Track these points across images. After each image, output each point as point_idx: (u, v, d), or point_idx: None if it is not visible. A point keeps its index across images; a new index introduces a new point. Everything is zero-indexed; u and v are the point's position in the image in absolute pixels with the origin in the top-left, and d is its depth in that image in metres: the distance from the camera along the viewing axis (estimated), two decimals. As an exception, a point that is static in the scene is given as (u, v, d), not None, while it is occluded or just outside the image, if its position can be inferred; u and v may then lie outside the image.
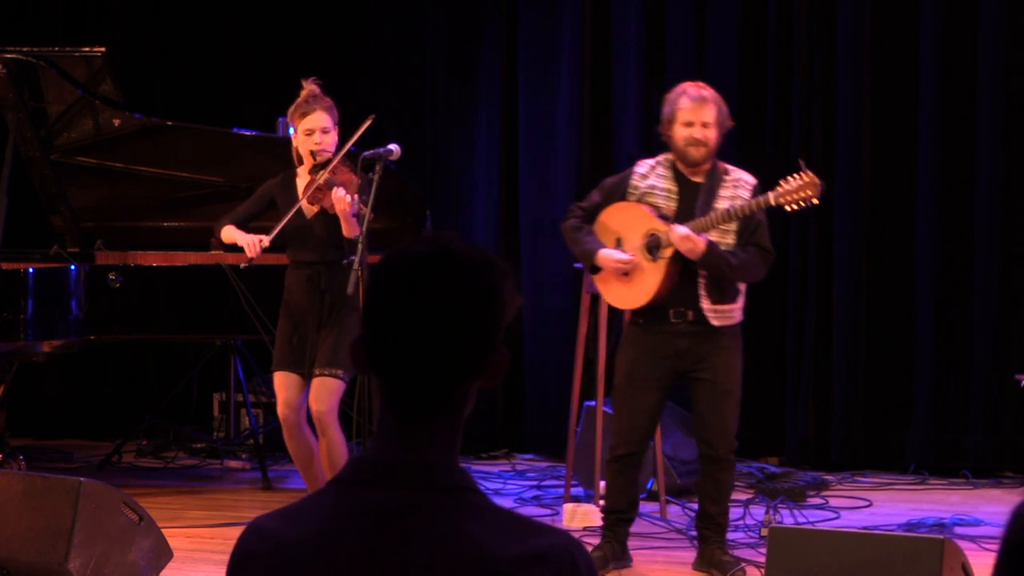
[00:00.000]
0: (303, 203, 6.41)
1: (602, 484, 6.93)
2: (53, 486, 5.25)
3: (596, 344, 7.06)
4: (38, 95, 7.77)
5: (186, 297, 7.61)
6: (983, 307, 8.12)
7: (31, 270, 7.13)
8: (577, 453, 7.33)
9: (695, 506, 6.47)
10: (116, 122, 7.79)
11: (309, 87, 6.43)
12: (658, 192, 6.01)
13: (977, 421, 8.14)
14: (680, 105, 5.95)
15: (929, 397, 8.21)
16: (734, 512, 6.29)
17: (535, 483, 8.04)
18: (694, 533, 6.37)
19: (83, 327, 7.31)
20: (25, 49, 7.66)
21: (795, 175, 5.76)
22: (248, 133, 7.84)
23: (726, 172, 6.02)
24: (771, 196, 5.79)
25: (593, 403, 7.18)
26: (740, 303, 6.03)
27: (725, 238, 5.89)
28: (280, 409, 6.47)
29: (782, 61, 8.44)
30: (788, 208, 5.80)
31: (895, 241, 8.30)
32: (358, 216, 6.17)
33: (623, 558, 6.14)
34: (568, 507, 6.93)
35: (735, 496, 6.26)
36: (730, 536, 6.25)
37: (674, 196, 5.99)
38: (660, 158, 6.08)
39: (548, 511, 7.24)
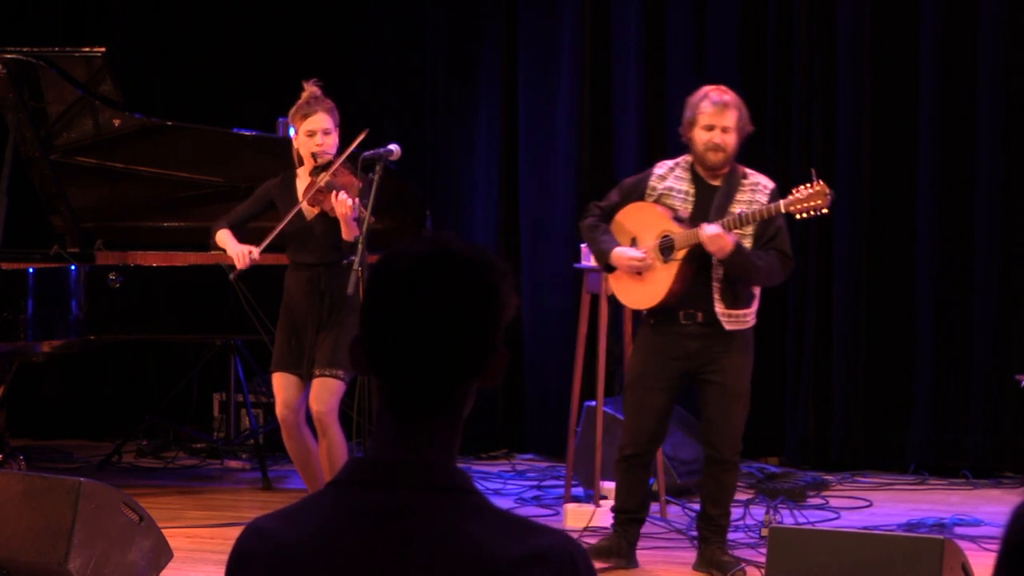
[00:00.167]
0: (303, 205, 6.41)
1: (602, 484, 6.94)
2: (53, 486, 5.25)
3: (596, 344, 7.06)
4: (38, 95, 7.77)
5: (186, 297, 7.61)
6: (983, 307, 8.12)
7: (31, 270, 7.13)
8: (577, 453, 7.33)
9: (695, 506, 6.48)
10: (116, 122, 7.78)
11: (310, 88, 6.43)
12: (675, 194, 6.02)
13: (977, 421, 8.14)
14: (701, 109, 5.96)
15: (929, 397, 8.21)
16: (734, 512, 6.30)
17: (535, 483, 8.03)
18: (694, 533, 6.37)
19: (83, 327, 7.31)
20: (25, 49, 7.66)
21: (807, 184, 5.76)
22: (248, 133, 7.83)
23: (745, 176, 6.02)
24: (782, 204, 5.82)
25: (593, 403, 7.18)
26: (754, 307, 6.03)
27: (742, 242, 5.90)
28: (279, 410, 6.47)
29: (782, 61, 8.44)
30: (798, 216, 5.83)
31: (895, 241, 8.30)
32: (358, 219, 6.18)
33: (629, 557, 6.14)
34: (568, 507, 6.93)
35: (735, 496, 6.25)
36: (730, 536, 6.25)
37: (691, 199, 6.00)
38: (680, 160, 6.10)
39: (548, 511, 7.24)
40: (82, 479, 5.26)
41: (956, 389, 8.19)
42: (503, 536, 2.01)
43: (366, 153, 6.24)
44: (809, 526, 6.65)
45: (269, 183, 6.64)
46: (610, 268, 6.13)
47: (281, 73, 8.10)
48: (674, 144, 7.27)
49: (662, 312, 6.01)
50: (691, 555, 6.24)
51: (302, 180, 6.49)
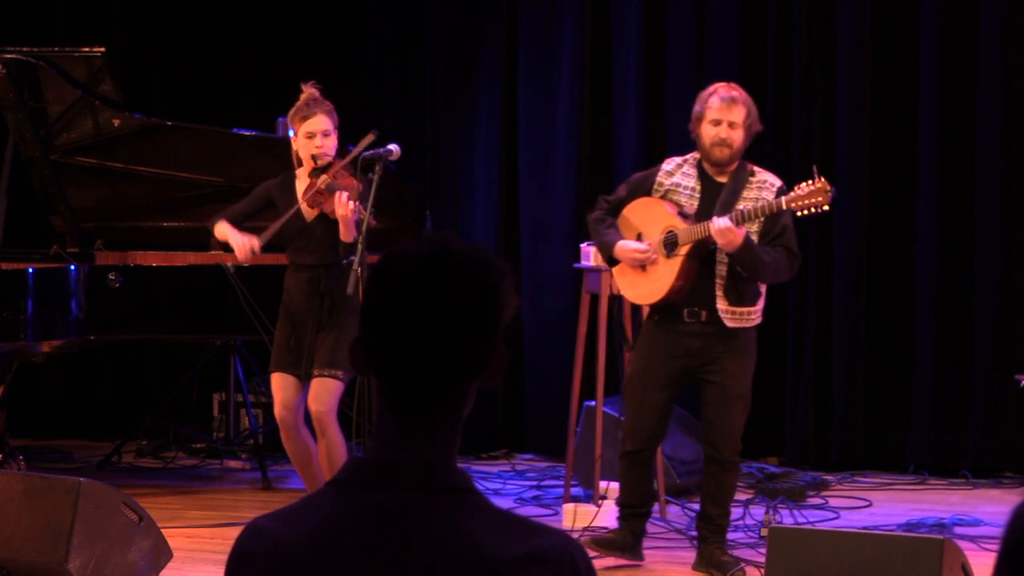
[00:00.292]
0: (303, 206, 6.41)
1: (602, 484, 6.94)
2: (53, 486, 5.25)
3: (596, 344, 7.06)
4: (38, 95, 7.77)
5: (186, 297, 7.61)
6: (983, 307, 8.12)
7: (31, 270, 7.13)
8: (577, 453, 7.33)
9: (695, 506, 6.48)
10: (116, 122, 7.78)
11: (309, 90, 6.42)
12: (681, 190, 6.03)
13: (977, 421, 8.14)
14: (710, 104, 5.98)
15: (929, 397, 8.21)
16: (734, 512, 6.30)
17: (535, 483, 8.03)
18: (694, 533, 6.37)
19: (83, 327, 7.31)
20: (25, 49, 7.66)
21: (808, 181, 5.76)
22: (248, 133, 7.83)
23: (752, 174, 6.03)
24: (783, 200, 5.81)
25: (593, 403, 7.18)
26: (759, 306, 6.02)
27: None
28: (277, 410, 6.47)
29: (782, 61, 8.44)
30: (799, 213, 5.82)
31: (895, 241, 8.30)
32: (358, 221, 6.18)
33: (635, 550, 6.16)
34: (568, 507, 6.93)
35: (735, 496, 6.26)
36: (730, 536, 6.25)
37: (697, 195, 6.00)
38: (688, 156, 6.11)
39: (548, 511, 7.24)
40: (82, 479, 5.26)
41: (956, 389, 8.19)
42: (503, 536, 2.01)
43: (366, 153, 6.24)
44: (809, 526, 6.65)
45: (268, 183, 6.64)
46: (613, 261, 6.14)
47: (281, 73, 8.09)
48: (674, 144, 7.29)
49: (665, 309, 6.02)
50: (691, 555, 6.24)
51: (301, 181, 6.49)
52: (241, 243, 6.43)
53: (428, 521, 2.02)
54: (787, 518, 6.87)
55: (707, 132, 5.97)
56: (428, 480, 2.04)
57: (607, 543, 6.11)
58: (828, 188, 5.75)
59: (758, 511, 6.92)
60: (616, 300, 6.74)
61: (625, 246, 6.03)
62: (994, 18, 8.05)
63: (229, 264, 6.63)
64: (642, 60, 8.66)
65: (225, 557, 2.12)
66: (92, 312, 7.32)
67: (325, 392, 6.33)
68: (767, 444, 8.44)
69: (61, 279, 7.26)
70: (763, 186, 5.99)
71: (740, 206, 5.89)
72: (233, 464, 8.56)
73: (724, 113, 5.95)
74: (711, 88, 6.06)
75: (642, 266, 6.03)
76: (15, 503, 5.25)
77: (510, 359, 2.13)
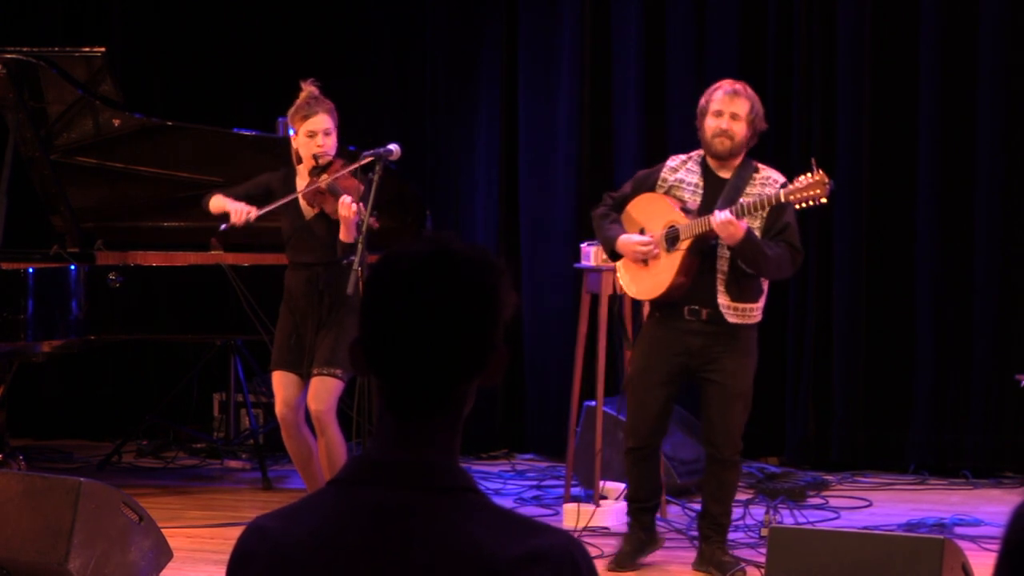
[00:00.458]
0: (303, 205, 6.42)
1: (602, 484, 6.95)
2: (53, 486, 5.25)
3: (596, 344, 7.06)
4: (38, 95, 7.77)
5: (186, 297, 7.61)
6: (983, 307, 8.12)
7: (31, 270, 7.13)
8: (577, 453, 7.33)
9: (695, 506, 6.48)
10: (116, 122, 7.78)
11: (308, 89, 6.43)
12: (685, 186, 6.04)
13: (977, 421, 8.14)
14: (714, 97, 6.01)
15: (929, 397, 8.21)
16: (734, 512, 6.30)
17: (535, 483, 8.03)
18: (694, 533, 6.38)
19: (83, 327, 7.31)
20: (25, 49, 7.66)
21: (806, 174, 5.75)
22: (248, 133, 7.84)
23: (756, 170, 6.03)
24: (781, 193, 5.80)
25: (593, 403, 7.18)
26: (761, 303, 6.02)
27: None
28: (278, 409, 6.48)
29: (782, 61, 8.44)
30: (797, 206, 5.81)
31: (895, 241, 8.29)
32: (358, 223, 6.19)
33: (653, 542, 6.19)
34: (568, 507, 6.93)
35: (736, 495, 6.26)
36: (730, 536, 6.25)
37: (700, 191, 6.01)
38: (693, 153, 6.13)
39: (548, 511, 7.24)
40: (82, 479, 5.26)
41: (956, 389, 8.19)
42: (503, 536, 2.01)
43: (365, 153, 6.24)
44: (809, 526, 6.65)
45: (271, 174, 6.65)
46: (616, 256, 6.14)
47: (281, 73, 8.09)
48: (674, 144, 7.30)
49: (666, 306, 6.02)
50: (691, 555, 6.25)
51: (302, 179, 6.50)
52: (238, 208, 6.45)
53: (428, 521, 2.02)
54: (787, 518, 6.87)
55: (709, 124, 5.98)
56: (428, 480, 2.05)
57: (625, 556, 6.13)
58: (826, 181, 5.75)
59: (758, 511, 6.92)
60: (617, 298, 6.74)
61: (627, 240, 6.04)
62: (994, 18, 8.05)
63: (221, 226, 6.54)
64: (642, 60, 8.66)
65: (225, 557, 2.12)
66: (92, 312, 7.32)
67: (324, 391, 6.34)
68: (767, 444, 8.44)
69: (61, 279, 7.26)
70: (767, 182, 5.99)
71: (742, 200, 5.89)
72: (233, 464, 8.56)
73: (726, 105, 5.96)
74: (717, 83, 6.10)
75: (644, 261, 6.03)
76: (15, 503, 5.25)
77: (510, 358, 2.13)
